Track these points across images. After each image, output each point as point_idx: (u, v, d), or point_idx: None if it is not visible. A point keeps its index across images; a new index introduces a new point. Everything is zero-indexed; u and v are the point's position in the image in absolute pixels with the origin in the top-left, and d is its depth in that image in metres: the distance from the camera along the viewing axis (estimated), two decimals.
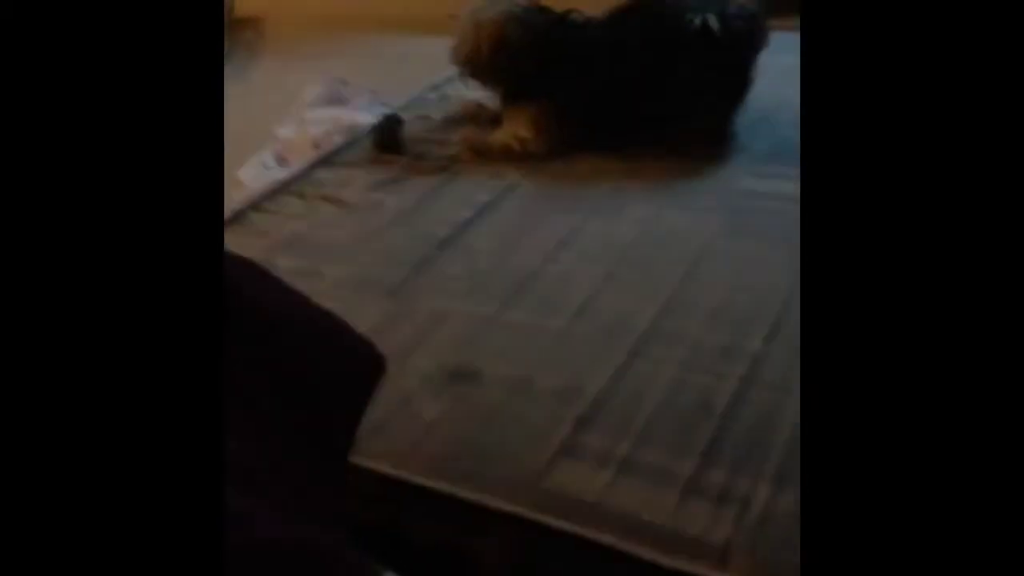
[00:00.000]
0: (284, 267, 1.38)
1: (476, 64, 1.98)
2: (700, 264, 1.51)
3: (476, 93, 2.13)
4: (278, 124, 2.46)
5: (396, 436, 1.18)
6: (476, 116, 2.14)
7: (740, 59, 1.96)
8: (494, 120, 2.08)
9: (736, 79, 1.96)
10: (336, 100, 2.76)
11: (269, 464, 0.56)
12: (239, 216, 1.75)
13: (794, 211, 1.67)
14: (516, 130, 1.95)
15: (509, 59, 1.93)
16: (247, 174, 2.26)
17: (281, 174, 2.05)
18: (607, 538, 1.02)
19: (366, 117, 2.51)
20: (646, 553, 1.00)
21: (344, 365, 0.62)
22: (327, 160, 1.99)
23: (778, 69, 1.99)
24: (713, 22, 1.88)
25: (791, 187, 1.74)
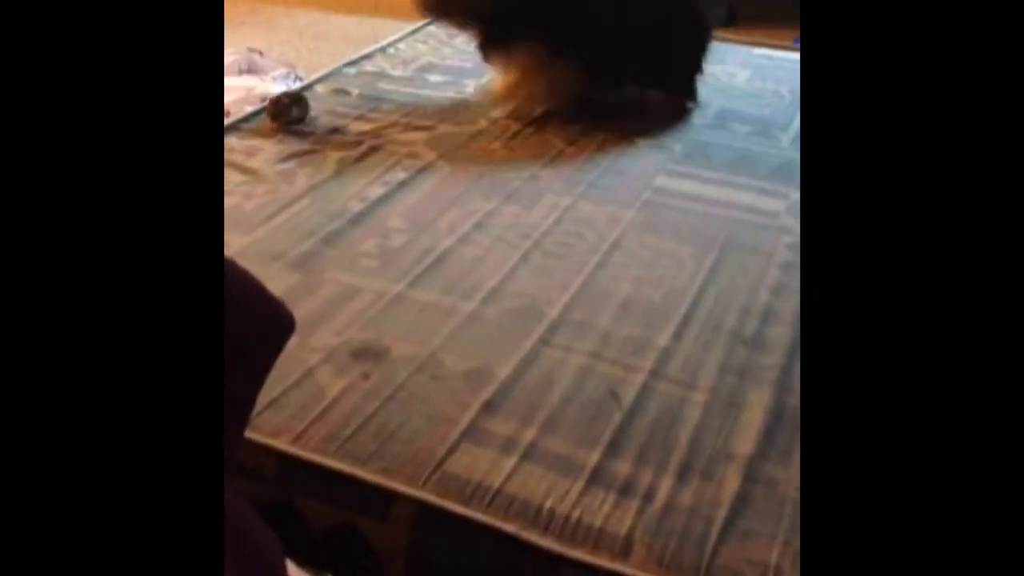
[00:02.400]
0: None
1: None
2: (613, 255, 1.51)
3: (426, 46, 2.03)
4: None
5: (295, 412, 1.14)
6: None
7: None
8: None
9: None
10: (250, 69, 2.68)
11: None
12: None
13: (707, 210, 1.72)
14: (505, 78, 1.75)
15: None
16: None
17: None
18: (509, 526, 1.00)
19: (280, 89, 2.44)
20: (548, 542, 0.99)
21: (250, 320, 0.58)
22: (236, 127, 1.92)
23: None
24: None
25: (705, 188, 1.76)
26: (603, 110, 2.00)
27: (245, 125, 1.94)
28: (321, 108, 2.01)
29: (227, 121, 1.99)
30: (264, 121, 1.93)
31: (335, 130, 1.93)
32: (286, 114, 1.91)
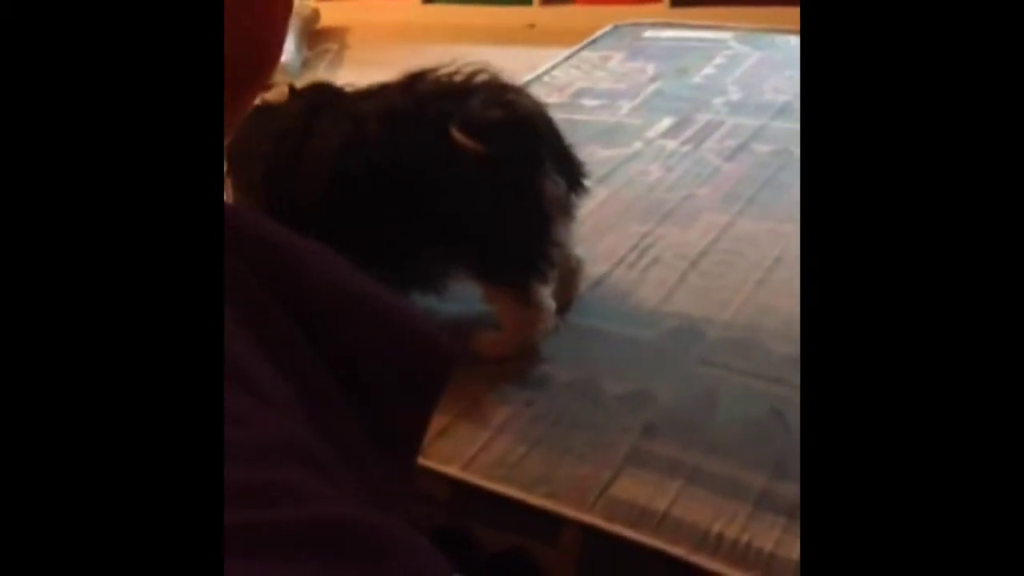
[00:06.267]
0: None
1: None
2: (774, 272, 1.49)
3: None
4: None
5: (463, 439, 1.18)
6: None
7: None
8: None
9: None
10: None
11: (334, 453, 0.55)
12: None
13: None
14: None
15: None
16: None
17: None
18: (678, 550, 1.01)
19: None
20: (717, 566, 0.98)
21: (413, 358, 0.61)
22: None
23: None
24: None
25: None
26: None
27: None
28: None
29: None
30: None
31: None
32: None
